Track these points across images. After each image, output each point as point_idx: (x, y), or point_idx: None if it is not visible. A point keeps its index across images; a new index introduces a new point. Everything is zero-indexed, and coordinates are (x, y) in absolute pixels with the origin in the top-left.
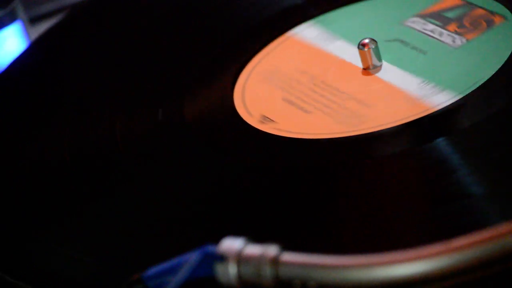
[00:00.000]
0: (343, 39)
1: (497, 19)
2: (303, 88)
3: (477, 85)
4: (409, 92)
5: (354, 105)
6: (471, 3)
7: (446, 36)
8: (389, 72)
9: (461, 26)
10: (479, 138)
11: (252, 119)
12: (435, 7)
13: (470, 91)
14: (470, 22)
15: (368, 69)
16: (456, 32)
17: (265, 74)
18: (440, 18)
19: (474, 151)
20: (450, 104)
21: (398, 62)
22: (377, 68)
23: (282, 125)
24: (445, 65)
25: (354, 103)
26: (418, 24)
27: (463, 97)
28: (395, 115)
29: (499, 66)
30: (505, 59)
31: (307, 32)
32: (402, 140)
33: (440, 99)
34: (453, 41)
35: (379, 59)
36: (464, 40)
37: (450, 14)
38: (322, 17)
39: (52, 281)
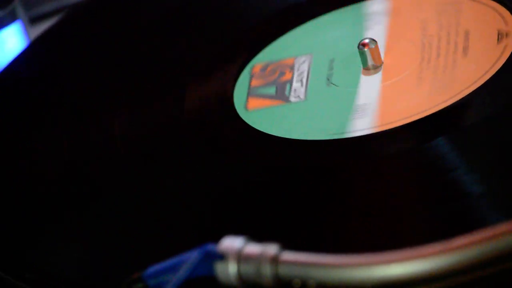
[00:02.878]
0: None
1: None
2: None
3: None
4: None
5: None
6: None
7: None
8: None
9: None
10: (479, 137)
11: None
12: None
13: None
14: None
15: (368, 69)
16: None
17: None
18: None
19: (474, 151)
20: (450, 104)
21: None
22: (377, 68)
23: None
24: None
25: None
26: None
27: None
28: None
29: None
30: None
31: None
32: (402, 140)
33: None
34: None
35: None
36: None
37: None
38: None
39: (52, 281)
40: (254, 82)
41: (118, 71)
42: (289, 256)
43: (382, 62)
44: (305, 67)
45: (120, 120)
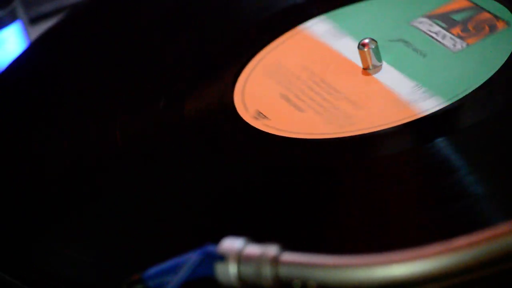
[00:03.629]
0: (350, 36)
1: (500, 25)
2: (301, 84)
3: (467, 92)
4: (401, 96)
5: (346, 106)
6: (478, 6)
7: (448, 40)
8: (387, 73)
9: (464, 29)
10: (478, 138)
11: (244, 112)
12: (444, 8)
13: (457, 99)
14: (474, 26)
15: (367, 69)
16: (458, 36)
17: (269, 68)
18: (446, 20)
19: (474, 151)
20: (450, 104)
21: (397, 64)
22: (377, 68)
23: (274, 122)
24: (441, 70)
25: (346, 103)
26: (425, 25)
27: (463, 96)
28: (385, 118)
29: (492, 73)
30: (500, 65)
31: (317, 27)
32: (402, 140)
33: (428, 105)
34: (454, 45)
35: (379, 60)
36: (464, 44)
37: (457, 17)
38: (333, 13)
39: (52, 281)
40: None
41: (118, 71)
42: (289, 257)
43: (382, 62)
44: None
45: (120, 120)
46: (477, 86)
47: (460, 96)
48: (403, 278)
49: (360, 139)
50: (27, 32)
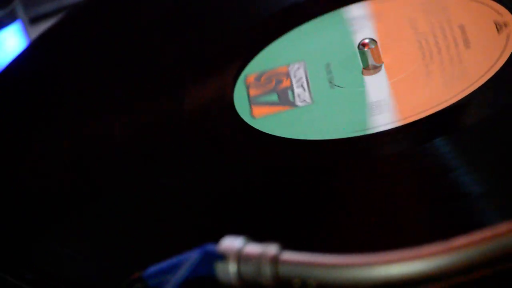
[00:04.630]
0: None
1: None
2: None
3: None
4: None
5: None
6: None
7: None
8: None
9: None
10: (479, 137)
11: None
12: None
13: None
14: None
15: (368, 69)
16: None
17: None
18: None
19: (474, 151)
20: (450, 104)
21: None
22: (377, 68)
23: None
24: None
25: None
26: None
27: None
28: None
29: None
30: None
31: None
32: (402, 140)
33: None
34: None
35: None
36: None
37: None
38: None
39: (52, 281)
40: (252, 92)
41: (118, 71)
42: (289, 256)
43: (382, 62)
44: (301, 73)
45: (120, 120)
46: None
47: None
48: (403, 278)
49: (360, 139)
50: (27, 32)
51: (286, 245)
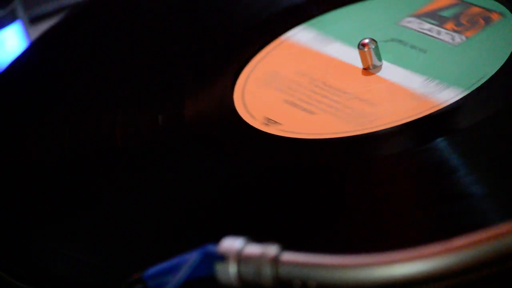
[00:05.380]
0: (339, 41)
1: (494, 16)
2: (304, 90)
3: (482, 81)
4: (413, 90)
5: (359, 105)
6: (465, 2)
7: (445, 35)
8: (391, 71)
9: (458, 24)
10: (479, 138)
11: (252, 120)
12: (430, 7)
13: (476, 87)
14: (467, 20)
15: (368, 69)
16: (454, 30)
17: (264, 77)
18: (436, 17)
19: (474, 151)
20: (450, 104)
21: (398, 62)
22: (377, 68)
23: (287, 126)
24: (448, 63)
25: (358, 102)
26: (414, 23)
27: (464, 96)
28: (402, 113)
29: (502, 62)
30: (507, 55)
31: (301, 35)
32: (402, 140)
33: (446, 95)
34: (452, 39)
35: (379, 59)
36: (463, 37)
37: (445, 13)
38: (316, 20)
39: (52, 281)
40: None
41: (118, 71)
42: (289, 256)
43: (382, 61)
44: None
45: (121, 120)
46: (492, 73)
47: (478, 84)
48: (403, 278)
49: (360, 139)
50: (27, 32)
51: (286, 246)
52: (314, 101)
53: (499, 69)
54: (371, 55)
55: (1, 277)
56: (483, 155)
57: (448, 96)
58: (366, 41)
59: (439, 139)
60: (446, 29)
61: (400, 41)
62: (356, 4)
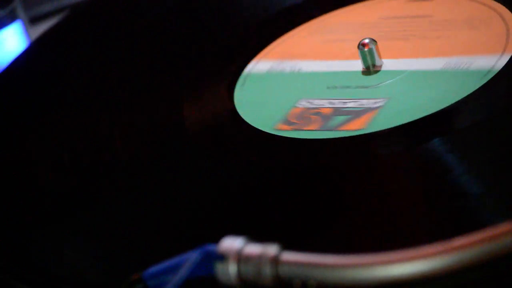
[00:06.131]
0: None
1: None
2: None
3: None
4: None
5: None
6: None
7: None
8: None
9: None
10: (479, 137)
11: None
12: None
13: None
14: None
15: (368, 69)
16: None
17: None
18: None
19: (474, 151)
20: (451, 104)
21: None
22: (377, 68)
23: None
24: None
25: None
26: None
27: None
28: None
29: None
30: None
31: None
32: (402, 140)
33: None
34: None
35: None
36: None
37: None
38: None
39: (52, 281)
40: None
41: (118, 72)
42: (289, 256)
43: (382, 62)
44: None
45: (120, 120)
46: None
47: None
48: (403, 278)
49: (359, 139)
50: (27, 32)
51: (286, 245)
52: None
53: (500, 70)
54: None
55: (1, 277)
56: (484, 154)
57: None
58: (366, 41)
59: (437, 139)
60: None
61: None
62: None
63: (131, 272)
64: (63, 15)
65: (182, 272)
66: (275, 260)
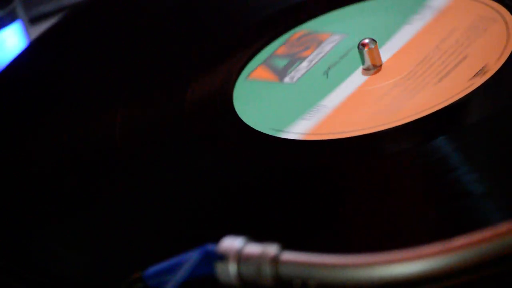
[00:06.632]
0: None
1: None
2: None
3: None
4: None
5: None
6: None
7: (320, 53)
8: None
9: (306, 48)
10: (480, 136)
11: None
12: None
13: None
14: (301, 44)
15: (369, 69)
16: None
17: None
18: (286, 68)
19: (475, 150)
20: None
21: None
22: (378, 67)
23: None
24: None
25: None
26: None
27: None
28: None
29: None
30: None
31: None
32: (402, 140)
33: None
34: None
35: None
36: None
37: (281, 62)
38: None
39: (52, 281)
40: (280, 50)
41: (118, 71)
42: (289, 256)
43: (382, 63)
44: (328, 48)
45: (120, 121)
46: None
47: None
48: (403, 278)
49: (360, 138)
50: (27, 32)
51: (286, 245)
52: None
53: (501, 67)
54: (373, 54)
55: (1, 277)
56: (485, 153)
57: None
58: (366, 41)
59: (440, 138)
60: (310, 55)
61: (330, 66)
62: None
63: (131, 272)
64: (63, 15)
65: (182, 272)
66: (275, 260)
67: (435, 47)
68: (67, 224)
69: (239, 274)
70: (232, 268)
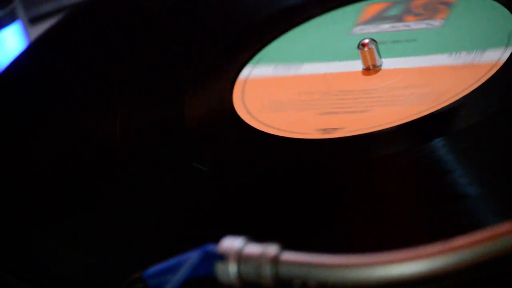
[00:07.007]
0: (307, 62)
1: None
2: (330, 100)
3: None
4: (451, 65)
5: (415, 90)
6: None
7: (416, 25)
8: (403, 62)
9: (418, 14)
10: (478, 138)
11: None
12: (370, 13)
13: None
14: (424, 9)
15: (369, 69)
16: (421, 20)
17: (270, 106)
18: (386, 17)
19: (474, 151)
20: (449, 104)
21: (399, 55)
22: (378, 67)
23: (348, 128)
24: (453, 38)
25: (413, 88)
26: (370, 28)
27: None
28: (466, 82)
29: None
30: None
31: (259, 71)
32: (401, 140)
33: (492, 55)
34: (430, 25)
35: (380, 57)
36: (440, 21)
37: (392, 12)
38: (261, 54)
39: (52, 281)
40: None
41: (118, 72)
42: (289, 256)
43: (382, 63)
44: (416, 27)
45: (120, 121)
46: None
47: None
48: (403, 278)
49: (360, 139)
50: (27, 32)
51: (286, 245)
52: (356, 103)
53: (497, 71)
54: (372, 55)
55: (1, 277)
56: (483, 155)
57: (494, 56)
58: (366, 41)
59: (437, 139)
60: (411, 21)
61: (373, 41)
62: (295, 29)
63: (131, 272)
64: (63, 15)
65: (182, 272)
66: (275, 260)
67: None
68: (67, 224)
69: (239, 274)
70: (232, 268)
